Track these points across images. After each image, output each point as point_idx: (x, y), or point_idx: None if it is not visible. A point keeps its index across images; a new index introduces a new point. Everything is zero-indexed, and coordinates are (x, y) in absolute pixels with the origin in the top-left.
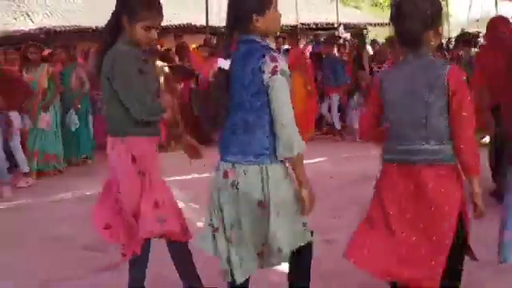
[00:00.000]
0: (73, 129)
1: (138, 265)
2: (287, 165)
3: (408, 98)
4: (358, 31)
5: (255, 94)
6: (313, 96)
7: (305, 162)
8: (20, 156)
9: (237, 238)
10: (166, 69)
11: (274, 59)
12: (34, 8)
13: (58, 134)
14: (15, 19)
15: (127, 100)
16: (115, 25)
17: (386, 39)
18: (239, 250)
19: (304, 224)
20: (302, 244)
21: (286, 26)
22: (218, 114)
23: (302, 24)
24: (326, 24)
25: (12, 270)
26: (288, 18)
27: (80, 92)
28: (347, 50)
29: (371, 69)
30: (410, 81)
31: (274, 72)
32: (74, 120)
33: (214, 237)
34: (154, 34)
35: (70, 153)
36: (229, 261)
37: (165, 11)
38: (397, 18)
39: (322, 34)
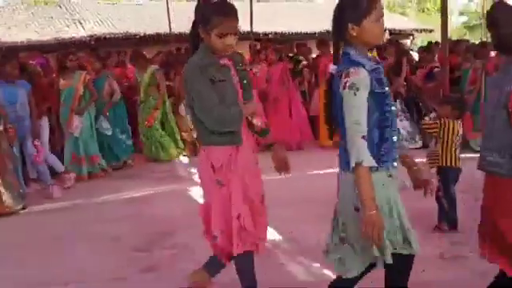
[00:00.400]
0: (109, 133)
1: (246, 275)
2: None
3: (492, 104)
4: (394, 39)
5: (340, 108)
6: None
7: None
8: (51, 158)
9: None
10: None
11: (347, 75)
12: (86, 16)
13: (94, 138)
14: (68, 26)
15: (199, 112)
16: (194, 34)
17: (421, 46)
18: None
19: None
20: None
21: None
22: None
23: None
24: None
25: (64, 269)
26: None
27: (109, 100)
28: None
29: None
30: (499, 88)
31: (343, 87)
32: (105, 126)
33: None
34: (231, 40)
35: (111, 157)
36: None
37: None
38: (491, 24)
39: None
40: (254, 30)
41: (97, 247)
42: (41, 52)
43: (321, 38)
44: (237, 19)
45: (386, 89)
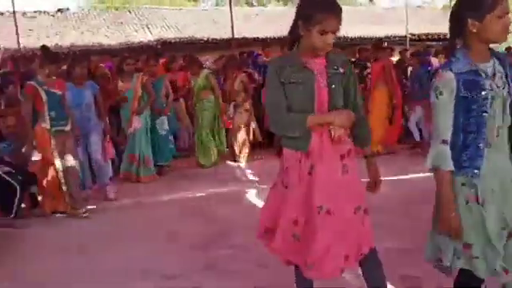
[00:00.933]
0: (163, 133)
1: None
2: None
3: None
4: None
5: None
6: (398, 109)
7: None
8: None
9: None
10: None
11: (435, 76)
12: (153, 21)
13: (149, 139)
14: (136, 31)
15: (267, 111)
16: (293, 33)
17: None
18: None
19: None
20: None
21: (395, 36)
22: None
23: (412, 35)
24: (438, 35)
25: (124, 265)
26: (397, 28)
27: (166, 101)
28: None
29: None
30: None
31: (430, 89)
32: (164, 125)
33: None
34: (331, 38)
35: (161, 158)
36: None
37: (269, 23)
38: None
39: (435, 45)
40: None
41: (155, 244)
42: (110, 56)
43: (376, 42)
44: (340, 17)
45: (474, 93)
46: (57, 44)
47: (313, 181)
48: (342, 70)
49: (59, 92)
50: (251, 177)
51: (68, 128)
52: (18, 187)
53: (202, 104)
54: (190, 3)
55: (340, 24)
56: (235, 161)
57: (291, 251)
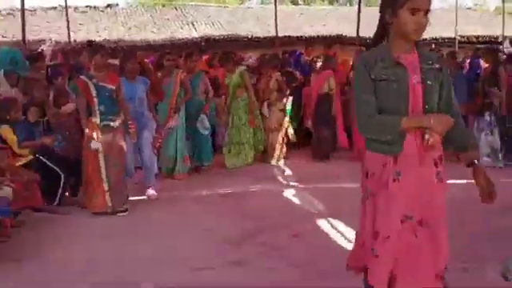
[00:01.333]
0: (205, 133)
1: None
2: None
3: None
4: (491, 47)
5: None
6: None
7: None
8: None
9: None
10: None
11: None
12: (198, 18)
13: (183, 137)
14: (181, 28)
15: (355, 111)
16: (380, 27)
17: None
18: None
19: None
20: None
21: (443, 38)
22: None
23: (461, 37)
24: (489, 37)
25: (156, 254)
26: (446, 30)
27: (205, 99)
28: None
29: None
30: None
31: None
32: (205, 124)
33: None
34: (423, 18)
35: (202, 159)
36: None
37: (313, 22)
38: None
39: (483, 47)
40: (360, 35)
41: (188, 237)
42: (156, 51)
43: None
44: None
45: None
46: (105, 38)
47: (401, 188)
48: (437, 66)
49: (110, 86)
50: (289, 176)
51: (117, 124)
52: (62, 175)
53: (236, 103)
54: (236, 1)
55: (430, 2)
56: (269, 161)
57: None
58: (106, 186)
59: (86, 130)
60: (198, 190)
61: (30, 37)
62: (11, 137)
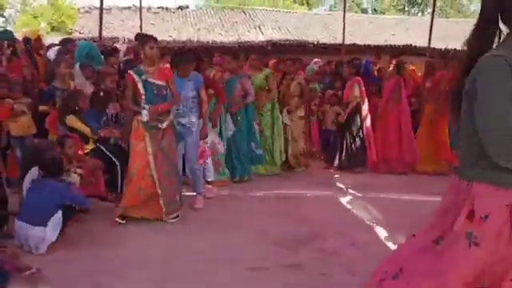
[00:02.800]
0: (230, 133)
1: None
2: None
3: None
4: None
5: None
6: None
7: None
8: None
9: None
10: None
11: None
12: (266, 22)
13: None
14: (248, 31)
15: (481, 130)
16: (484, 28)
17: None
18: None
19: None
20: None
21: None
22: None
23: None
24: None
25: (213, 252)
26: None
27: (241, 101)
28: None
29: None
30: None
31: None
32: (229, 126)
33: None
34: None
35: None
36: None
37: (382, 31)
38: None
39: None
40: (431, 46)
41: (243, 236)
42: (223, 53)
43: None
44: None
45: None
46: (174, 39)
47: None
48: None
49: (159, 82)
50: (344, 184)
51: (164, 125)
52: (118, 165)
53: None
54: (304, 7)
55: None
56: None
57: None
58: (159, 192)
59: (134, 127)
60: (253, 191)
61: (104, 34)
62: (78, 125)
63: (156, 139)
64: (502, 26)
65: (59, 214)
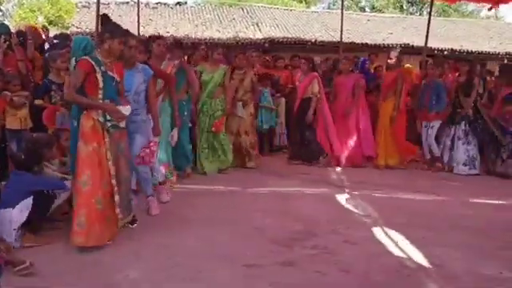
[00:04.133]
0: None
1: None
2: None
3: None
4: (470, 58)
5: None
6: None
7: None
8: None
9: None
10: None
11: None
12: (264, 20)
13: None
14: (246, 28)
15: None
16: None
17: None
18: None
19: None
20: None
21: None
22: None
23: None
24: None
25: (206, 250)
26: None
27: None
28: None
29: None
30: None
31: None
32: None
33: None
34: None
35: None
36: None
37: (379, 30)
38: None
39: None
40: (428, 46)
41: (240, 233)
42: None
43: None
44: None
45: None
46: (172, 34)
47: None
48: None
49: (117, 77)
50: (340, 181)
51: (123, 124)
52: None
53: (214, 103)
54: (302, 5)
55: None
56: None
57: None
58: (116, 199)
59: (84, 128)
60: (248, 188)
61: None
62: None
63: (115, 141)
64: None
65: (30, 200)
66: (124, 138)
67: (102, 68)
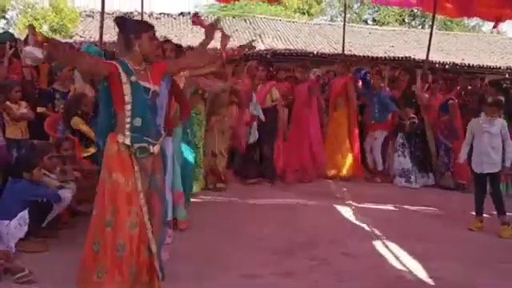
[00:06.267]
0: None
1: None
2: None
3: None
4: (409, 66)
5: None
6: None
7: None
8: None
9: None
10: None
11: None
12: (266, 31)
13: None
14: (249, 39)
15: None
16: None
17: None
18: None
19: None
20: None
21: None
22: None
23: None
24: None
25: (206, 260)
26: None
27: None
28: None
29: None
30: None
31: None
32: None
33: None
34: None
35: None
36: None
37: (381, 43)
38: None
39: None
40: (430, 59)
41: (239, 243)
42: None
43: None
44: None
45: None
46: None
47: None
48: None
49: (154, 87)
50: (341, 194)
51: (156, 150)
52: None
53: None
54: (305, 17)
55: None
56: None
57: None
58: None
59: (108, 153)
60: (248, 199)
61: (105, 38)
62: (85, 128)
63: (146, 171)
64: None
65: (25, 212)
66: (159, 168)
67: (132, 78)
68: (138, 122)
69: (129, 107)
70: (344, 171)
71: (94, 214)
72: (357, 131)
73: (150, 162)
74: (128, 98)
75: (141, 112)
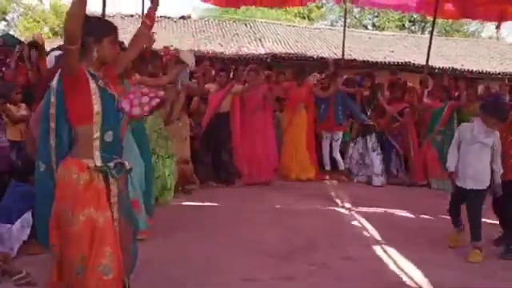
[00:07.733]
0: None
1: None
2: None
3: None
4: (370, 71)
5: None
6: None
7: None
8: None
9: None
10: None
11: None
12: (267, 35)
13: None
14: (249, 43)
15: None
16: None
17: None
18: None
19: None
20: None
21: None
22: None
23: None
24: None
25: (203, 262)
26: None
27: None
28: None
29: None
30: None
31: None
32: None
33: None
34: None
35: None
36: None
37: (381, 48)
38: None
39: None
40: (429, 64)
41: (238, 246)
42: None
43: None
44: None
45: None
46: (175, 48)
47: None
48: None
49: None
50: (339, 197)
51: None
52: None
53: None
54: (305, 21)
55: None
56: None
57: None
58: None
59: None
60: (246, 202)
61: None
62: None
63: (122, 192)
64: None
65: (29, 214)
66: (125, 185)
67: (99, 82)
68: (109, 136)
69: (98, 119)
70: (303, 172)
71: (54, 255)
72: (313, 134)
73: (122, 180)
74: (97, 108)
75: (112, 123)
